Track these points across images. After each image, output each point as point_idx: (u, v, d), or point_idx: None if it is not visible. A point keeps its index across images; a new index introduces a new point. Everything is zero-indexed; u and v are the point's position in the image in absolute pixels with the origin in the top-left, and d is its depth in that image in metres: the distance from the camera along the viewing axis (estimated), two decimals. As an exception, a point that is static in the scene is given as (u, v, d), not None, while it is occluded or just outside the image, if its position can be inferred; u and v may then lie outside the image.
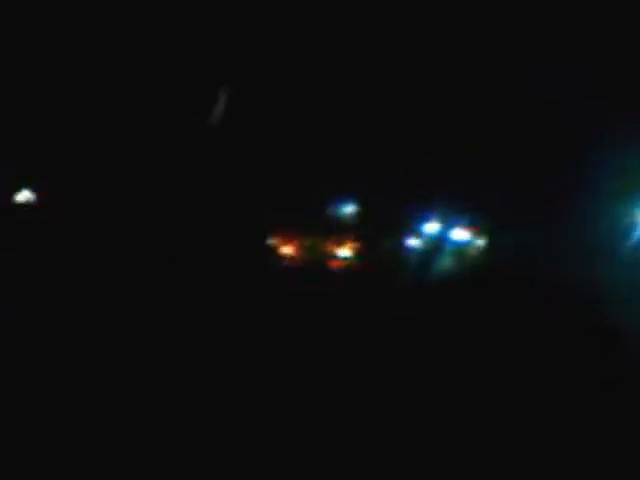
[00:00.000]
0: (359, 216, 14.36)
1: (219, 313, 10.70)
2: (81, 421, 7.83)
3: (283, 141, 13.46)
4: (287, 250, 14.00)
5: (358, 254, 14.12)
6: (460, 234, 14.70)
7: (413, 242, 14.43)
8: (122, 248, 11.95)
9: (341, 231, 14.23)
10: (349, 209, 14.43)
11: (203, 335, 10.14)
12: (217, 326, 10.37)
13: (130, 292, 10.81)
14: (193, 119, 13.08)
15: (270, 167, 13.48)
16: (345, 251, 14.16)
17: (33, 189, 13.35)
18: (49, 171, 12.89)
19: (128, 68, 12.76)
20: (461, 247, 14.61)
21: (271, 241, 13.93)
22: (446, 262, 14.33)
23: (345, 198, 14.31)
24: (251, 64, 13.16)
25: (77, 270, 11.23)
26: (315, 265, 13.93)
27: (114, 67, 12.76)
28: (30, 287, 10.60)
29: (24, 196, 13.31)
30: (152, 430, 7.85)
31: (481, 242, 14.71)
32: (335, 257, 14.04)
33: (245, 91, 13.33)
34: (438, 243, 14.42)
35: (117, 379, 8.81)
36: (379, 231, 14.19)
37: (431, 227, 14.52)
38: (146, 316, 10.23)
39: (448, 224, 14.50)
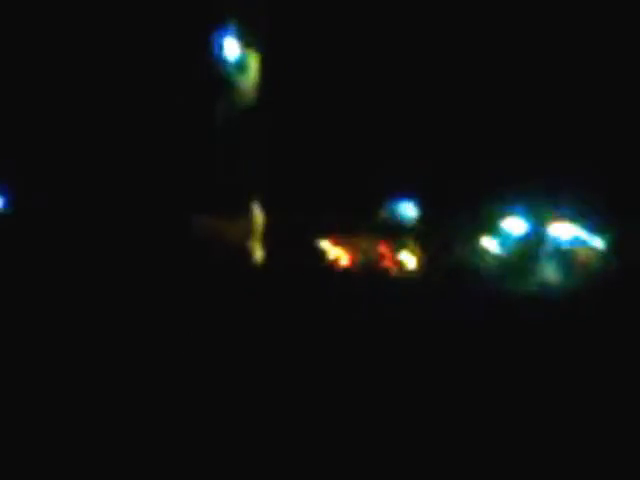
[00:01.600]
0: (421, 216, 13.81)
1: (270, 316, 10.43)
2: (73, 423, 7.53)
3: (335, 140, 13.18)
4: (340, 253, 13.73)
5: (419, 258, 13.69)
6: (561, 233, 13.26)
7: (493, 244, 13.76)
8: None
9: (399, 233, 13.85)
10: (409, 209, 13.93)
11: (255, 337, 9.85)
12: (268, 328, 10.06)
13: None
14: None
15: (321, 167, 13.19)
16: (405, 255, 13.76)
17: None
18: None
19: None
20: (566, 248, 13.21)
21: (323, 244, 13.72)
22: (549, 267, 13.16)
23: (404, 197, 13.88)
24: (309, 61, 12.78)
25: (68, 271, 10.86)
26: (369, 269, 13.60)
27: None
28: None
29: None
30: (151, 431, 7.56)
31: (590, 242, 12.92)
32: (393, 261, 13.71)
33: (293, 89, 12.82)
34: (533, 244, 13.35)
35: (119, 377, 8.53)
36: (450, 234, 13.62)
37: (519, 225, 13.57)
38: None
39: (543, 222, 13.48)
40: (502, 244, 13.65)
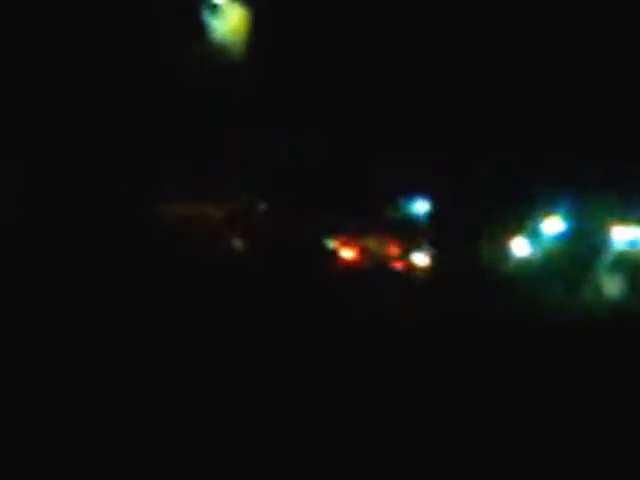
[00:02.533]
0: (432, 216, 13.45)
1: (281, 316, 10.87)
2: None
3: (344, 140, 12.94)
4: (348, 253, 13.51)
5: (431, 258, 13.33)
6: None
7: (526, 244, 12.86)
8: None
9: (410, 232, 13.54)
10: (420, 209, 13.59)
11: (267, 337, 10.29)
12: (279, 328, 10.51)
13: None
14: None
15: (330, 168, 13.03)
16: (416, 254, 13.43)
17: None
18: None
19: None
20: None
21: (332, 244, 13.46)
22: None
23: (413, 197, 13.52)
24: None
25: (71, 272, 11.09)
26: (378, 268, 13.30)
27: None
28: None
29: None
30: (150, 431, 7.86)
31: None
32: (401, 260, 13.39)
33: (302, 89, 12.54)
34: (582, 248, 12.35)
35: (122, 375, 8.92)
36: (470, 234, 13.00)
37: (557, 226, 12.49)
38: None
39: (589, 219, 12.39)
40: (538, 246, 12.65)
